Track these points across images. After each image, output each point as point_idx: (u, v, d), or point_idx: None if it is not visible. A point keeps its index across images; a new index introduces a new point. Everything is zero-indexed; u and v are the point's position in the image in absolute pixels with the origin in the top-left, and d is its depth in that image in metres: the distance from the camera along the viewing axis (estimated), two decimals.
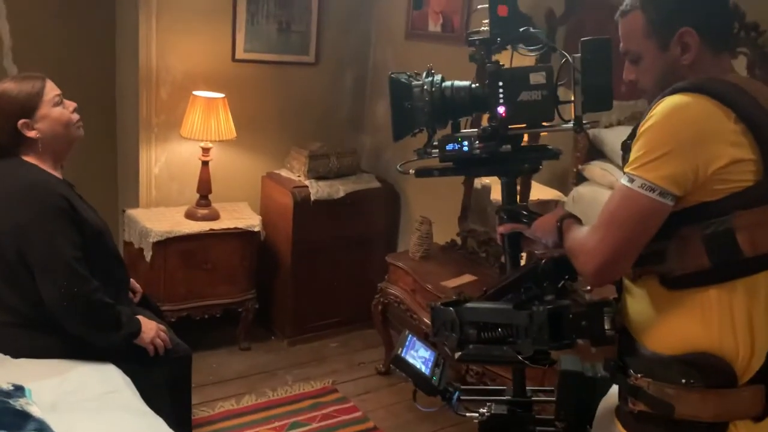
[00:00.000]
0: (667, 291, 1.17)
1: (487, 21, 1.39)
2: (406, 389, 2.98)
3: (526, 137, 1.52)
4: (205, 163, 2.97)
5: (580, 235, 1.22)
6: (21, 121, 1.78)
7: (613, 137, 2.53)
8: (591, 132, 2.74)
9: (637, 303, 1.23)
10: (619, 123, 2.49)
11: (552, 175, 2.88)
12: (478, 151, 1.41)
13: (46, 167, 1.85)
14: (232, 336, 3.20)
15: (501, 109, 1.36)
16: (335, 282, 3.34)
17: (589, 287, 1.27)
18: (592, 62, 1.31)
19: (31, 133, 1.80)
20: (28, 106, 1.79)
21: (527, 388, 1.57)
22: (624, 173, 1.14)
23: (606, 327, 1.23)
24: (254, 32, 3.20)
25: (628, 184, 1.12)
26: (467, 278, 2.69)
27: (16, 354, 1.78)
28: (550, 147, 1.50)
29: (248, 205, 3.31)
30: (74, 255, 1.77)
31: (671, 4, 1.19)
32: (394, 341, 3.08)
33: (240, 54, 3.19)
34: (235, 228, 3.01)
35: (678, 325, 1.16)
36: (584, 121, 1.36)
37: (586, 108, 1.34)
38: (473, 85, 1.43)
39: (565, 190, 2.86)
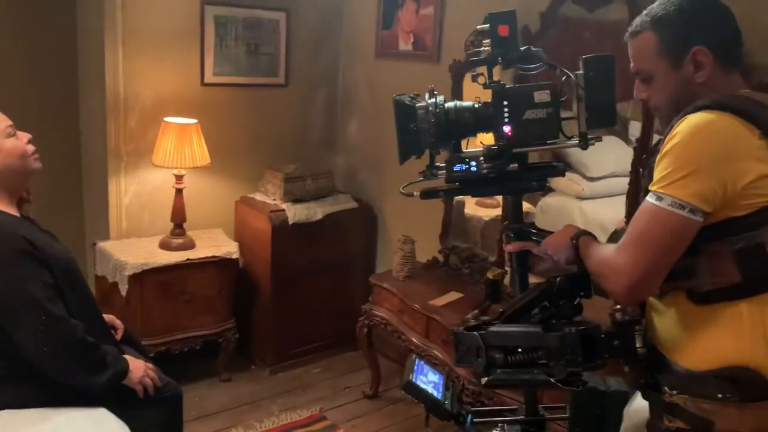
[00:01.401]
0: (696, 306, 1.17)
1: (488, 41, 1.40)
2: (396, 413, 2.94)
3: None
4: (179, 191, 2.89)
5: (606, 254, 1.22)
6: None
7: (576, 148, 2.59)
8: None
9: (665, 320, 1.24)
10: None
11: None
12: (486, 170, 1.41)
13: (1, 206, 1.72)
14: (212, 367, 3.10)
15: (507, 128, 1.37)
16: (315, 306, 3.28)
17: (618, 306, 1.26)
18: (595, 79, 1.33)
19: None
20: None
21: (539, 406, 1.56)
22: (650, 191, 1.15)
23: (637, 345, 1.23)
24: (223, 55, 3.14)
25: (657, 203, 1.12)
26: (454, 296, 2.68)
27: None
28: (555, 164, 1.51)
29: (223, 231, 3.22)
30: (46, 296, 1.65)
31: (684, 24, 1.21)
32: (380, 363, 3.06)
33: (209, 78, 3.13)
34: (213, 256, 2.92)
35: (710, 341, 1.16)
36: (589, 137, 1.37)
37: (591, 124, 1.37)
38: (476, 105, 1.43)
39: (533, 201, 2.89)
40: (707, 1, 1.24)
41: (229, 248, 3.00)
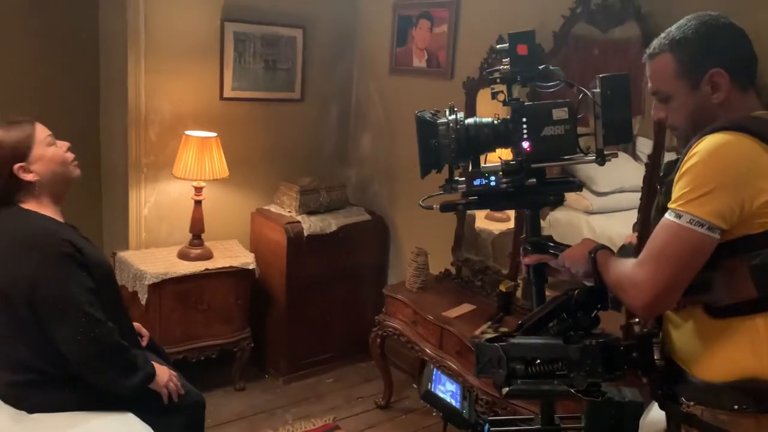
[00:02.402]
0: (713, 320, 1.21)
1: (507, 60, 1.44)
2: (408, 423, 2.98)
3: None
4: (197, 203, 2.95)
5: (626, 270, 1.25)
6: (17, 166, 1.75)
7: (584, 164, 2.64)
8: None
9: (682, 332, 1.28)
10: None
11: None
12: (505, 185, 1.45)
13: (46, 212, 1.80)
14: (227, 376, 3.14)
15: (526, 144, 1.41)
16: (328, 316, 3.33)
17: (636, 319, 1.31)
18: (612, 97, 1.37)
19: (29, 176, 1.76)
20: (22, 149, 1.76)
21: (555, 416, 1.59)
22: (669, 209, 1.19)
23: (656, 357, 1.27)
24: (241, 71, 3.22)
25: (676, 220, 1.17)
26: (467, 307, 2.72)
27: (32, 409, 1.72)
28: (572, 179, 1.56)
29: (238, 242, 3.29)
30: (87, 299, 1.72)
31: (700, 47, 1.26)
32: (393, 374, 3.10)
33: (228, 92, 3.20)
34: (230, 266, 2.98)
35: (727, 353, 1.20)
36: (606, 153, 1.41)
37: (608, 141, 1.40)
38: (495, 122, 1.47)
39: (542, 215, 2.93)
40: (723, 25, 1.28)
41: (245, 259, 3.05)
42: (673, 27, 1.30)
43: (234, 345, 3.07)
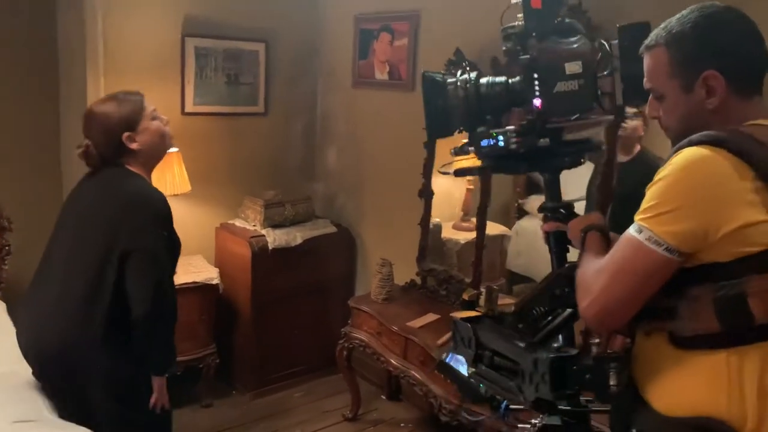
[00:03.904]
0: (676, 350, 1.12)
1: (521, 15, 1.33)
2: None
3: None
4: None
5: (588, 271, 1.18)
6: (125, 134, 1.90)
7: (602, 124, 2.62)
8: None
9: (647, 359, 1.19)
10: None
11: (496, 210, 3.00)
12: (515, 146, 1.34)
13: (145, 178, 1.96)
14: (193, 393, 3.11)
15: (537, 102, 1.30)
16: (296, 330, 3.32)
17: (597, 340, 1.23)
18: (631, 49, 1.24)
19: (134, 145, 1.91)
20: (132, 120, 1.92)
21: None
22: (634, 221, 1.11)
23: (611, 383, 1.15)
24: (203, 85, 3.22)
25: (637, 235, 1.09)
26: (431, 317, 2.74)
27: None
28: (591, 139, 1.43)
29: (203, 258, 3.26)
30: (170, 262, 1.91)
31: (697, 44, 1.13)
32: (360, 386, 3.09)
33: (190, 107, 3.20)
34: (193, 282, 2.96)
35: (685, 387, 1.11)
36: (627, 112, 1.32)
37: (627, 97, 1.28)
38: (510, 80, 1.36)
39: (509, 224, 2.98)
40: (727, 20, 1.14)
41: (209, 274, 3.03)
42: (674, 18, 1.17)
43: (199, 361, 3.04)
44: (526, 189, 2.94)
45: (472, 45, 2.66)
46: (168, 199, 2.87)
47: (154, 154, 2.00)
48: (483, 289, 2.80)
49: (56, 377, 1.90)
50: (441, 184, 3.04)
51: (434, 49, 2.97)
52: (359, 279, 3.55)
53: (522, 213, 2.93)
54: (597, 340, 1.23)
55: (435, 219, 3.11)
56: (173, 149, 2.94)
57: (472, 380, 1.39)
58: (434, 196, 3.01)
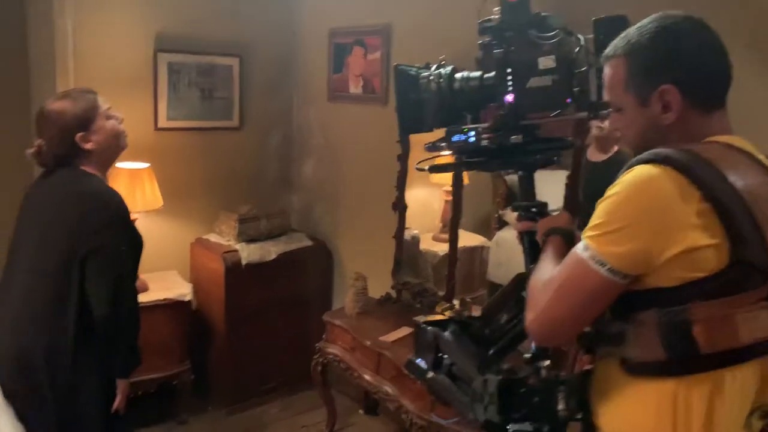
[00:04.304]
0: (627, 376, 1.09)
1: (498, 9, 1.31)
2: None
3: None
4: None
5: (539, 282, 1.14)
6: (79, 135, 1.86)
7: (544, 182, 2.66)
8: (508, 178, 2.87)
9: (600, 384, 1.16)
10: None
11: (475, 221, 3.00)
12: (486, 142, 1.32)
13: (100, 177, 1.93)
14: (169, 410, 3.08)
15: (509, 97, 1.27)
16: (272, 345, 3.29)
17: (548, 362, 1.19)
18: (607, 43, 1.19)
19: (88, 145, 1.88)
20: (86, 120, 1.88)
21: None
22: (582, 237, 1.08)
23: (559, 407, 1.13)
24: (177, 100, 3.21)
25: (582, 253, 1.06)
26: (405, 331, 2.72)
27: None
28: (566, 138, 1.41)
29: (178, 273, 3.24)
30: (129, 260, 1.87)
31: (654, 56, 1.08)
32: (336, 401, 3.07)
33: (163, 122, 3.18)
34: (165, 299, 2.93)
35: (634, 415, 1.08)
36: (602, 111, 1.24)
37: (602, 94, 1.22)
38: (485, 75, 1.33)
39: (489, 235, 2.98)
40: (686, 31, 1.09)
41: (181, 290, 3.01)
42: (634, 27, 1.12)
43: (173, 378, 3.01)
44: (506, 199, 2.94)
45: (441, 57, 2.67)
46: (139, 215, 2.90)
47: (109, 154, 1.97)
48: (456, 302, 2.81)
49: (16, 381, 1.85)
50: (419, 195, 3.04)
51: (406, 62, 2.97)
52: (336, 292, 3.54)
53: (502, 224, 2.92)
54: (547, 362, 1.19)
55: (413, 231, 3.11)
56: (144, 165, 2.94)
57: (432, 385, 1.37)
58: (412, 207, 3.00)
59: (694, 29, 1.10)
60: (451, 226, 2.81)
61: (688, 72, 1.08)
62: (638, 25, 1.12)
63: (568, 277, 1.08)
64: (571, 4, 1.71)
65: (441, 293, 2.84)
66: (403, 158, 2.89)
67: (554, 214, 1.40)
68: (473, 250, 3.00)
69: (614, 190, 1.05)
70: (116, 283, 1.79)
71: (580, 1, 1.75)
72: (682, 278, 1.00)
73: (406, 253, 3.11)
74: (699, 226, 0.98)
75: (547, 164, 1.40)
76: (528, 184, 1.42)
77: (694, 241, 0.98)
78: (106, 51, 2.98)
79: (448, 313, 1.43)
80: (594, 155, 2.42)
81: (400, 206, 2.99)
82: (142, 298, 2.86)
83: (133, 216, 2.84)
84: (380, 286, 3.07)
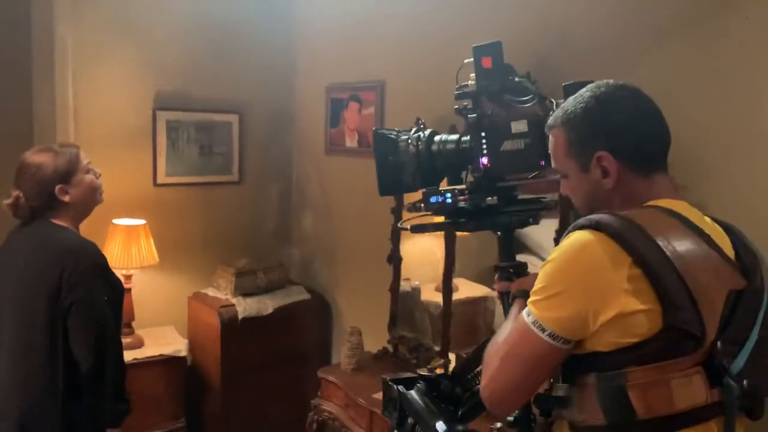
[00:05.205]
0: None
1: (473, 74, 1.36)
2: None
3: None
4: (127, 291, 2.91)
5: (494, 347, 1.15)
6: (58, 187, 1.89)
7: (535, 230, 2.64)
8: None
9: None
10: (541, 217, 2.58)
11: (481, 270, 2.97)
12: (463, 203, 1.36)
13: (74, 230, 1.96)
14: None
15: (484, 160, 1.32)
16: (268, 400, 3.24)
17: (499, 425, 1.22)
18: None
19: (66, 198, 1.90)
20: (66, 173, 1.91)
21: None
22: (527, 302, 1.10)
23: None
24: (175, 157, 3.26)
25: (526, 318, 1.08)
26: None
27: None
28: (543, 198, 1.44)
29: (174, 329, 3.23)
30: (108, 310, 1.85)
31: (588, 126, 1.13)
32: None
33: (162, 178, 3.23)
34: (160, 355, 2.92)
35: None
36: None
37: None
38: (462, 138, 1.38)
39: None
40: (618, 99, 1.14)
41: (177, 346, 3.00)
42: (572, 98, 1.18)
43: None
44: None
45: (433, 113, 2.70)
46: (136, 271, 2.92)
47: (85, 208, 2.00)
48: (452, 357, 2.77)
49: None
50: (422, 244, 3.02)
51: (399, 117, 3.02)
52: (335, 346, 3.50)
53: None
54: (499, 425, 1.20)
55: (414, 282, 3.08)
56: (140, 221, 2.97)
57: None
58: (414, 257, 2.99)
59: (626, 98, 1.14)
60: (444, 280, 2.79)
61: (621, 139, 1.12)
62: (575, 96, 1.18)
63: (513, 343, 1.10)
64: (544, 71, 1.76)
65: (437, 348, 2.79)
66: (397, 211, 2.89)
67: (531, 274, 1.40)
68: (476, 302, 2.96)
69: (553, 255, 1.08)
70: (98, 333, 1.80)
71: (553, 68, 1.79)
72: (616, 343, 1.01)
73: (403, 305, 3.08)
74: (630, 291, 0.99)
75: (523, 225, 1.43)
76: (506, 244, 1.44)
77: (625, 306, 0.99)
78: (105, 110, 3.06)
79: (420, 371, 1.41)
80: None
81: (395, 259, 2.98)
82: (137, 354, 2.87)
83: (128, 272, 2.90)
84: (378, 339, 3.04)
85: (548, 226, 1.48)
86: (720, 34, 1.87)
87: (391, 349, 3.03)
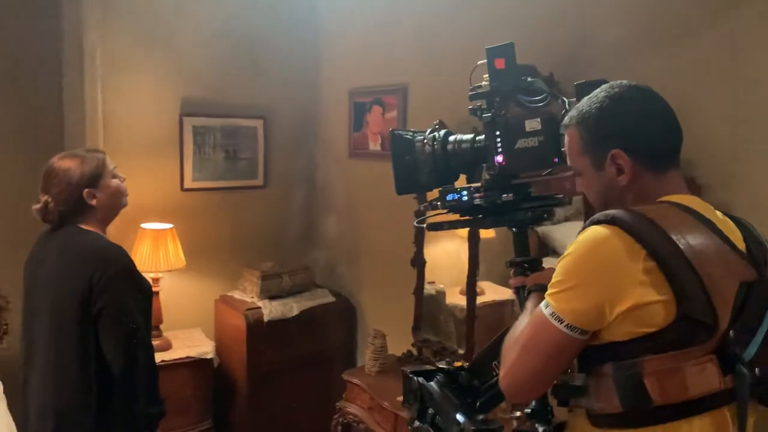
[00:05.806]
0: (591, 427, 1.13)
1: (487, 75, 1.38)
2: None
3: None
4: (155, 293, 2.97)
5: (512, 339, 1.18)
6: (86, 191, 1.92)
7: (561, 234, 2.61)
8: (540, 229, 2.84)
9: None
10: (567, 219, 2.55)
11: (505, 274, 2.95)
12: (478, 201, 1.39)
13: (102, 234, 1.99)
14: None
15: (499, 158, 1.34)
16: (294, 403, 3.27)
17: (518, 413, 1.24)
18: None
19: (93, 201, 1.94)
20: (94, 176, 1.94)
21: None
22: (545, 295, 1.14)
23: None
24: (202, 162, 3.32)
25: (544, 310, 1.11)
26: None
27: None
28: (557, 195, 1.46)
29: (201, 331, 3.28)
30: (139, 313, 1.87)
31: (602, 125, 1.17)
32: None
33: (188, 183, 3.29)
34: (187, 357, 2.97)
35: None
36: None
37: None
38: (477, 137, 1.41)
39: None
40: (630, 99, 1.17)
41: (204, 348, 3.04)
42: (585, 99, 1.22)
43: None
44: (537, 251, 2.90)
45: (455, 116, 2.70)
46: (164, 274, 2.97)
47: (111, 212, 2.03)
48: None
49: None
50: (447, 247, 3.01)
51: (422, 120, 3.02)
52: (360, 349, 3.51)
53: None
54: (518, 414, 1.22)
55: (438, 285, 3.08)
56: (168, 225, 3.02)
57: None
58: (439, 260, 2.98)
59: (639, 97, 1.18)
60: (468, 280, 2.78)
61: (635, 137, 1.16)
62: (589, 96, 1.21)
63: (531, 335, 1.13)
64: (567, 72, 1.75)
65: (461, 351, 2.79)
66: (420, 214, 2.89)
67: (546, 269, 1.42)
68: (501, 305, 2.94)
69: (570, 249, 1.11)
70: (128, 336, 1.82)
71: (576, 70, 1.78)
72: (632, 333, 1.05)
73: (428, 308, 3.08)
74: (646, 283, 1.04)
75: (537, 221, 1.46)
76: (521, 241, 1.47)
77: (641, 297, 1.03)
78: (133, 117, 3.12)
79: (440, 364, 1.43)
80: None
81: (418, 262, 2.99)
82: (165, 356, 2.92)
83: (156, 275, 2.95)
84: (402, 342, 3.04)
85: (574, 227, 1.49)
86: (741, 33, 1.84)
87: (415, 352, 3.03)
